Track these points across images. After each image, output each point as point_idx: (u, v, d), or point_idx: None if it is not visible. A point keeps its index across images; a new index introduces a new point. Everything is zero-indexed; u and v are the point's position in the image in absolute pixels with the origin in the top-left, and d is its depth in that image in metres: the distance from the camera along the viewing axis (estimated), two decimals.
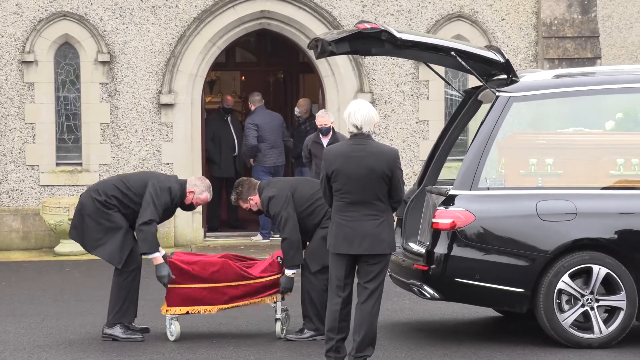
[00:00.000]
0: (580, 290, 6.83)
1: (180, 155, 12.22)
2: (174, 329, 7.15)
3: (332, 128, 10.70)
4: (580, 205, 6.85)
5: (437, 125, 12.28)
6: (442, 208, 6.89)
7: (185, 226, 12.23)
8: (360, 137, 6.13)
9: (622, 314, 6.83)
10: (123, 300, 7.15)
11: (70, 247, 11.39)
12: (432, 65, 7.84)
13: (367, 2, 12.40)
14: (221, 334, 7.42)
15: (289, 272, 7.07)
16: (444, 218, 6.82)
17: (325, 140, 10.61)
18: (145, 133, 12.21)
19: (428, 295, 6.89)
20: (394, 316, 8.07)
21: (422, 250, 7.06)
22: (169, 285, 7.11)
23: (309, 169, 11.06)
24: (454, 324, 7.85)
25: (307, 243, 7.21)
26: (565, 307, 6.82)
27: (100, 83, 12.15)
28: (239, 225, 13.18)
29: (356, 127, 6.11)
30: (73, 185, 12.04)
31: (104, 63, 12.11)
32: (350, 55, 12.06)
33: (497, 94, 7.03)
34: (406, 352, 6.83)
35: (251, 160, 12.49)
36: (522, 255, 6.81)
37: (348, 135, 6.26)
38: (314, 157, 10.66)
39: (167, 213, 7.24)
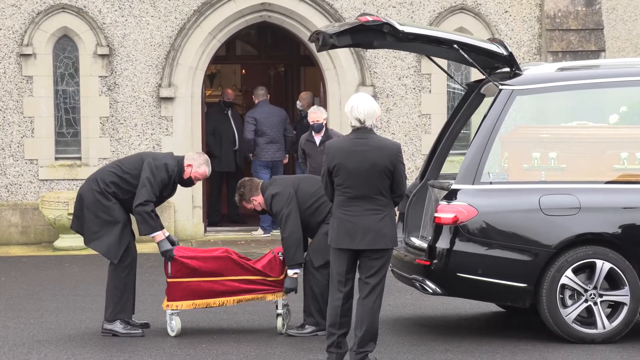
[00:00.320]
0: (584, 285, 6.79)
1: (180, 149, 12.08)
2: (174, 325, 7.11)
3: (326, 125, 10.23)
4: (584, 200, 6.80)
5: (439, 119, 12.24)
6: (444, 202, 6.85)
7: (186, 221, 12.18)
8: (362, 131, 6.08)
9: (625, 309, 6.80)
10: (120, 295, 7.12)
11: (69, 242, 11.35)
12: (435, 59, 7.79)
13: None
14: (222, 330, 7.38)
15: (291, 272, 7.04)
16: (446, 212, 6.78)
17: (317, 138, 10.13)
18: (145, 127, 12.16)
19: (430, 291, 6.86)
20: (396, 311, 8.03)
21: (424, 245, 7.02)
22: (169, 280, 7.06)
23: (303, 170, 10.58)
24: (456, 320, 7.81)
25: (310, 240, 7.16)
26: (569, 302, 6.79)
27: (99, 76, 12.09)
28: (239, 220, 13.15)
29: (359, 120, 6.06)
30: (72, 180, 11.99)
31: (103, 56, 12.05)
32: (352, 48, 12.01)
33: (500, 87, 6.98)
34: (408, 347, 6.79)
35: (250, 154, 12.46)
36: (525, 250, 6.77)
37: (341, 132, 6.20)
38: (307, 157, 10.26)
39: (166, 190, 7.19)
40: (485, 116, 6.96)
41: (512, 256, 6.78)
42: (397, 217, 6.41)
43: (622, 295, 6.80)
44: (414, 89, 12.47)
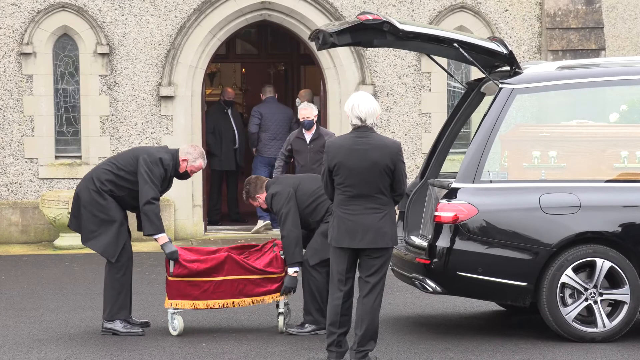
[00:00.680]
0: (584, 284, 6.79)
1: None
2: (177, 324, 7.11)
3: (316, 122, 9.97)
4: (584, 198, 6.80)
5: (439, 118, 12.23)
6: (444, 201, 6.84)
7: (186, 220, 12.18)
8: (363, 129, 6.07)
9: (625, 308, 6.79)
10: (117, 295, 7.12)
11: (69, 241, 11.35)
12: (435, 57, 7.78)
13: None
14: (222, 329, 7.38)
15: (291, 271, 7.04)
16: (446, 211, 6.77)
17: (308, 136, 9.86)
18: (145, 126, 12.15)
19: (430, 289, 6.85)
20: (396, 310, 8.02)
21: (425, 243, 7.01)
22: (169, 279, 7.06)
23: (279, 171, 9.89)
24: (456, 318, 7.80)
25: (310, 238, 7.17)
26: (569, 300, 6.78)
27: (99, 75, 12.09)
28: (239, 219, 13.15)
29: (360, 119, 6.06)
30: (72, 179, 11.98)
31: (103, 55, 12.04)
32: (352, 47, 12.00)
33: (500, 85, 6.97)
34: (408, 346, 6.78)
35: (254, 149, 12.48)
36: (525, 248, 6.76)
37: (332, 131, 6.20)
38: (295, 154, 9.93)
39: (163, 185, 7.17)
40: (485, 115, 6.96)
41: (512, 255, 6.78)
42: (397, 216, 6.41)
43: (622, 294, 6.79)
44: (414, 87, 12.46)
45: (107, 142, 12.10)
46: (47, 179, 12.05)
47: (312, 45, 8.67)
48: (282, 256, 7.11)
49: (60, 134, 12.18)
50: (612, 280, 6.83)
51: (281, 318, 7.15)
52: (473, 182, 6.83)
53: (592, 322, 6.79)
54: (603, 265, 6.77)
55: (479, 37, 7.79)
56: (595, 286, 6.78)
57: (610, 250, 6.79)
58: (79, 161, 12.11)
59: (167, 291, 7.12)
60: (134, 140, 12.11)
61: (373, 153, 6.00)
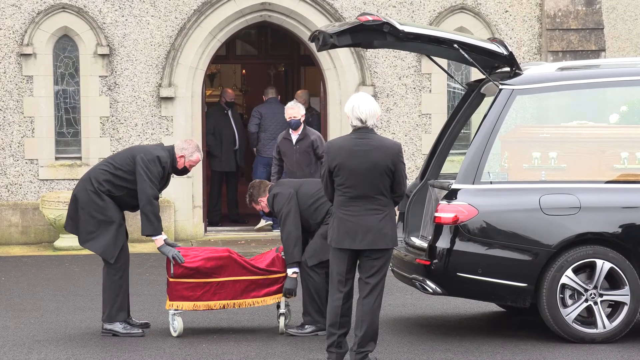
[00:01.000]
0: (584, 285, 6.78)
1: None
2: (177, 325, 7.11)
3: (303, 122, 9.82)
4: (584, 199, 6.80)
5: (439, 119, 12.23)
6: (444, 202, 6.84)
7: (186, 221, 12.18)
8: (363, 130, 6.07)
9: (626, 309, 6.79)
10: (115, 297, 7.11)
11: (69, 242, 11.34)
12: (435, 58, 7.78)
13: None
14: (222, 330, 7.38)
15: (290, 272, 7.05)
16: (446, 212, 6.77)
17: (294, 136, 9.74)
18: (145, 127, 12.15)
19: (430, 290, 6.85)
20: (396, 311, 8.02)
21: (425, 244, 7.01)
22: (170, 280, 7.06)
23: (275, 178, 9.69)
24: (456, 319, 7.80)
25: (310, 240, 7.18)
26: (569, 301, 6.78)
27: (99, 76, 12.08)
28: (239, 220, 13.15)
29: (360, 120, 6.06)
30: (72, 180, 11.97)
31: (103, 56, 12.04)
32: (352, 48, 12.00)
33: (500, 86, 6.97)
34: (408, 347, 6.78)
35: (254, 149, 12.50)
36: (525, 249, 6.76)
37: (331, 131, 6.20)
38: (282, 156, 9.77)
39: (161, 183, 7.17)
40: (485, 116, 6.95)
41: (513, 256, 6.78)
42: (397, 217, 6.41)
43: (623, 295, 6.79)
44: (414, 88, 12.46)
45: (107, 143, 12.10)
46: (47, 180, 12.05)
47: (312, 46, 8.68)
48: (283, 256, 7.12)
49: (61, 135, 12.18)
50: (612, 281, 6.82)
51: (282, 319, 7.15)
52: (473, 183, 6.83)
53: (592, 323, 6.79)
54: (603, 266, 6.77)
55: (479, 38, 7.78)
56: (595, 287, 6.78)
57: (611, 251, 6.79)
58: (79, 162, 12.11)
59: (168, 293, 7.12)
60: (134, 141, 12.11)
61: (373, 154, 6.00)
